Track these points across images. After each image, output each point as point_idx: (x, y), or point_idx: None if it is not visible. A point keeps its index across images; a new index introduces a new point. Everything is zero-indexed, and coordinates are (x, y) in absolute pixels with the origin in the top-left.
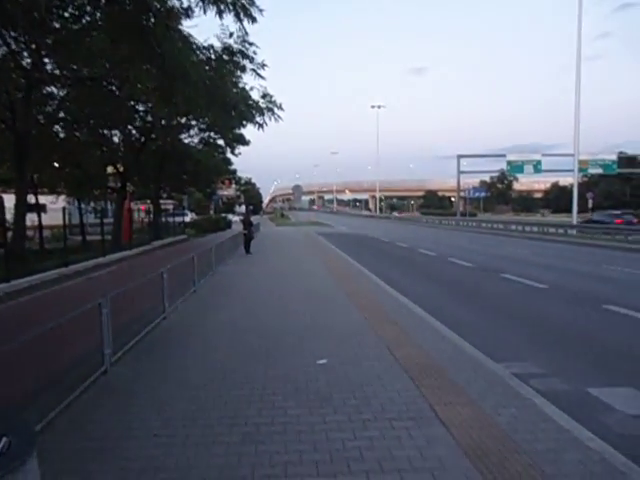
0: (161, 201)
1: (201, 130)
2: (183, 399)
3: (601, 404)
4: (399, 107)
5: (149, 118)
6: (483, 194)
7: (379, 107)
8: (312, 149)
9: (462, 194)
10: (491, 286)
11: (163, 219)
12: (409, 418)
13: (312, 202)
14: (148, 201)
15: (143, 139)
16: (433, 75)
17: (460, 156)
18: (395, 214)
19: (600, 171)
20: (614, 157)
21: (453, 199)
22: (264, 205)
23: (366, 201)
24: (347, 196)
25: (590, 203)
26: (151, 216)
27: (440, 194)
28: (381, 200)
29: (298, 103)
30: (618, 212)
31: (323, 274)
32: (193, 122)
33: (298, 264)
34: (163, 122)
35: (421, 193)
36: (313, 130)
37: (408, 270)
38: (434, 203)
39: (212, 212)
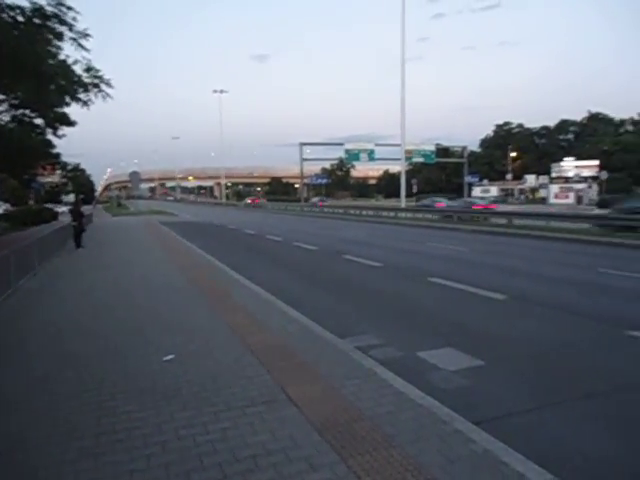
0: None
1: (13, 106)
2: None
3: (428, 365)
4: (244, 94)
5: None
6: (325, 181)
7: (221, 92)
8: (152, 135)
9: (305, 181)
10: (334, 267)
11: None
12: (262, 403)
13: (153, 190)
14: None
15: None
16: (275, 63)
17: (302, 144)
18: (248, 201)
19: (422, 160)
20: (433, 148)
21: (297, 186)
22: (97, 194)
23: (211, 188)
24: (191, 183)
25: (415, 188)
26: None
27: (285, 181)
28: (227, 187)
29: (137, 87)
30: (439, 197)
31: (167, 266)
32: (1, 96)
33: (139, 257)
34: None
35: (267, 180)
36: (153, 115)
37: (255, 256)
38: (279, 190)
39: (33, 202)
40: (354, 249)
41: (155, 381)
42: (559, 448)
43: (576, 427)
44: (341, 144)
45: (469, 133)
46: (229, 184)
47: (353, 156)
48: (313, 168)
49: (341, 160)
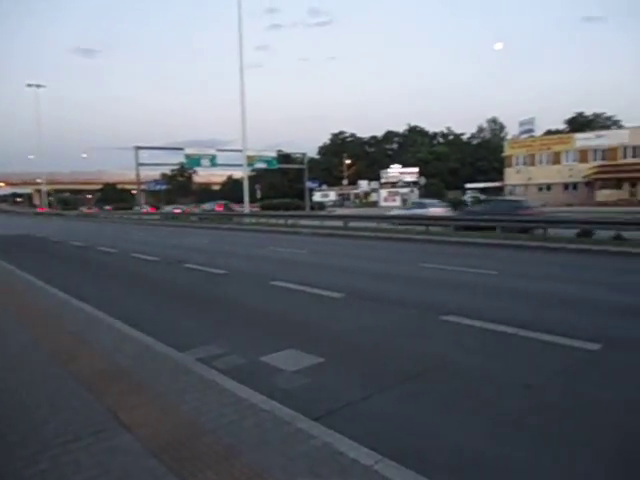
0: None
1: None
2: None
3: (271, 368)
4: (69, 91)
5: None
6: (164, 187)
7: (38, 86)
8: None
9: (143, 187)
10: (175, 277)
11: None
12: (89, 434)
13: None
14: None
15: None
16: (106, 60)
17: (138, 147)
18: (83, 209)
19: (265, 166)
20: (274, 154)
21: (134, 192)
22: None
23: (29, 196)
24: (4, 190)
25: (259, 194)
26: None
27: (120, 187)
28: (49, 194)
29: None
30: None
31: None
32: None
33: None
34: None
35: (99, 186)
36: None
37: (85, 271)
38: (113, 197)
39: None
40: (197, 257)
41: None
42: (388, 429)
43: (402, 408)
44: (181, 149)
45: (309, 140)
46: (51, 191)
47: (194, 161)
48: (152, 173)
49: (182, 165)
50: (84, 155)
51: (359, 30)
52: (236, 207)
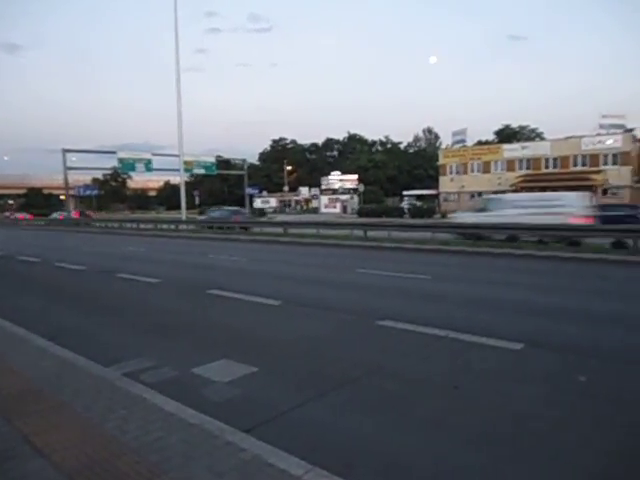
0: None
1: None
2: None
3: (203, 380)
4: None
5: None
6: (95, 192)
7: None
8: None
9: (72, 192)
10: (105, 287)
11: None
12: None
13: None
14: None
15: None
16: (31, 56)
17: (66, 150)
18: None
19: (203, 171)
20: (213, 160)
21: (63, 197)
22: None
23: None
24: None
25: (197, 200)
26: None
27: (47, 192)
28: None
29: None
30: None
31: None
32: None
33: None
34: None
35: (23, 191)
36: None
37: (3, 283)
38: (39, 202)
39: None
40: (130, 266)
41: None
42: (320, 437)
43: (335, 414)
44: (114, 152)
45: (249, 146)
46: None
47: (128, 166)
48: (83, 178)
49: (115, 170)
50: (5, 158)
51: (300, 38)
52: (92, 214)
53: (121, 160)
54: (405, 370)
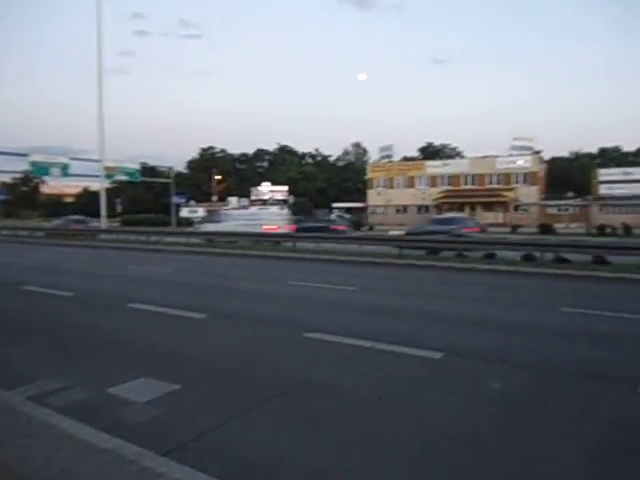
0: None
1: None
2: None
3: (120, 401)
4: None
5: None
6: (3, 197)
7: None
8: None
9: None
10: (9, 302)
11: None
12: None
13: None
14: None
15: None
16: None
17: None
18: None
19: (127, 178)
20: (138, 166)
21: None
22: None
23: None
24: None
25: (119, 208)
26: None
27: None
28: None
29: None
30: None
31: None
32: None
33: None
34: None
35: None
36: None
37: None
38: None
39: None
40: (39, 278)
41: None
42: (242, 455)
43: (259, 431)
44: (25, 155)
45: (176, 154)
46: None
47: (42, 170)
48: None
49: (26, 174)
50: None
51: (231, 47)
52: None
53: (34, 163)
54: (331, 383)
